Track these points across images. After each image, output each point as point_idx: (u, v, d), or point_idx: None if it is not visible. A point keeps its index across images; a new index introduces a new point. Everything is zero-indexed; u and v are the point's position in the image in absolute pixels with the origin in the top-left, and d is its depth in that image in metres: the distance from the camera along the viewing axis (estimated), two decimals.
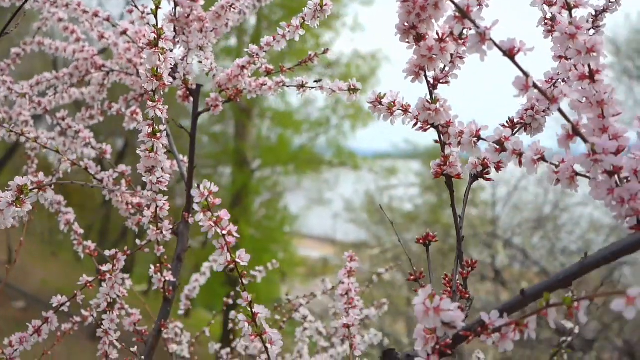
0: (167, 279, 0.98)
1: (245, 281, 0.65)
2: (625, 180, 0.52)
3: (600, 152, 0.50)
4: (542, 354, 6.11)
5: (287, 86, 0.98)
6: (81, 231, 1.10)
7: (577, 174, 0.54)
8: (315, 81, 0.97)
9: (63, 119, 1.11)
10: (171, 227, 0.91)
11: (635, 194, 0.50)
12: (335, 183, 12.57)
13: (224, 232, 0.62)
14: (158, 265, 0.97)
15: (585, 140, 0.51)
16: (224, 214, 0.63)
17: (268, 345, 0.65)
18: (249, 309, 0.65)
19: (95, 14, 1.11)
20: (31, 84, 1.19)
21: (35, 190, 0.66)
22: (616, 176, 0.53)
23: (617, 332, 5.76)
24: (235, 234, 0.63)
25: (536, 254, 6.69)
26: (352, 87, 0.83)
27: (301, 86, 0.96)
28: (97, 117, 1.20)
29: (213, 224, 0.62)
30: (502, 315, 0.51)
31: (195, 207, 0.62)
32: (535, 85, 0.51)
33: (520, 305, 0.52)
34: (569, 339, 1.13)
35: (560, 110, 0.52)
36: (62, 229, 1.11)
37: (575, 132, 0.52)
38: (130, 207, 1.03)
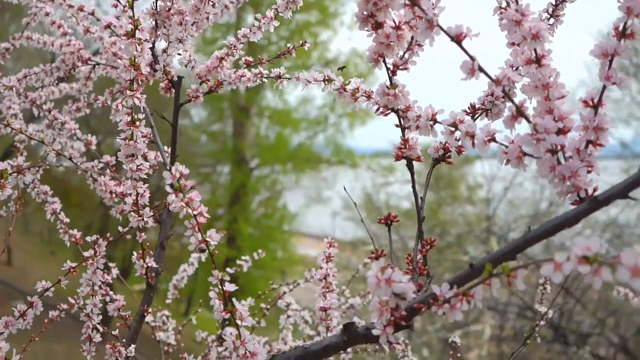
0: (149, 265, 1.00)
1: (214, 260, 0.68)
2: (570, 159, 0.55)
3: (542, 131, 0.53)
4: (537, 350, 6.15)
5: (266, 77, 1.01)
6: (67, 220, 1.12)
7: (525, 154, 0.57)
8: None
9: (49, 111, 1.14)
10: (152, 214, 0.94)
11: (576, 171, 0.53)
12: (334, 181, 12.61)
13: (195, 212, 0.65)
14: (140, 252, 0.99)
15: (528, 121, 0.54)
16: (195, 196, 0.66)
17: (238, 322, 0.68)
18: (220, 287, 0.68)
19: (80, 9, 1.14)
20: (18, 78, 1.22)
21: (15, 174, 0.69)
22: (561, 155, 0.56)
23: (611, 328, 5.80)
24: (206, 214, 0.66)
25: (532, 250, 6.72)
26: (326, 78, 0.86)
27: (278, 77, 0.99)
28: (83, 110, 1.23)
29: (184, 205, 0.65)
30: (452, 287, 0.54)
31: (167, 188, 0.64)
32: (480, 69, 0.54)
33: (468, 277, 0.55)
34: (542, 323, 1.16)
35: (504, 92, 0.54)
36: (48, 218, 1.14)
37: (519, 113, 0.55)
38: (113, 195, 1.06)
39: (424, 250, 0.67)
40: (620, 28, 0.54)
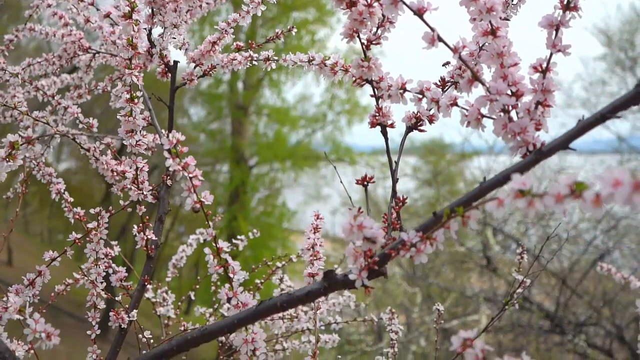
0: (149, 237, 1.07)
1: (210, 221, 0.75)
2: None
3: (494, 93, 0.60)
4: (534, 340, 6.22)
5: (256, 60, 1.08)
6: (71, 199, 1.19)
7: (482, 115, 0.64)
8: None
9: (53, 97, 1.21)
10: (151, 188, 1.01)
11: (525, 128, 0.60)
12: (332, 179, 12.68)
13: (191, 175, 0.72)
14: (140, 225, 1.06)
15: (483, 84, 0.61)
16: (191, 160, 0.72)
17: (231, 275, 0.75)
18: (214, 244, 0.75)
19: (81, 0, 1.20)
20: (22, 66, 1.29)
21: (25, 145, 0.76)
22: (515, 114, 0.63)
23: (607, 318, 5.87)
24: (201, 178, 0.73)
25: (530, 242, 6.80)
26: (311, 58, 0.93)
27: (267, 59, 1.06)
28: (84, 96, 1.30)
29: (181, 168, 0.72)
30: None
31: (165, 153, 0.71)
32: (439, 39, 0.61)
33: (432, 224, 0.61)
34: (520, 290, 1.22)
35: (461, 59, 0.61)
36: (54, 198, 1.20)
37: (475, 77, 0.61)
38: (115, 174, 1.12)
39: (397, 207, 0.73)
40: (565, 1, 0.61)
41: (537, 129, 0.61)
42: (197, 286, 1.54)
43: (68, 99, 1.29)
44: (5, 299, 0.76)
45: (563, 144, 0.57)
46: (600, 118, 0.55)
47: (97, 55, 1.30)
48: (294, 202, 12.81)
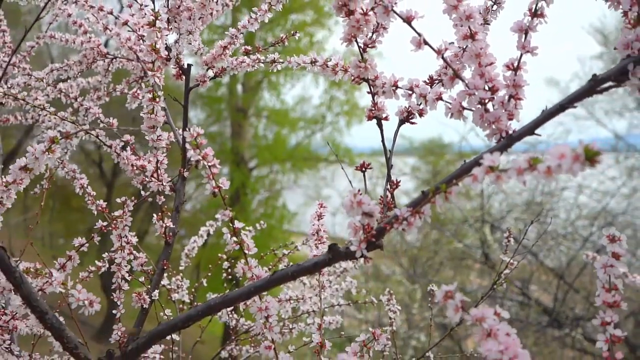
0: (167, 225, 1.18)
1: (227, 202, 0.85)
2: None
3: (472, 88, 0.71)
4: (532, 335, 6.32)
5: (262, 62, 1.18)
6: (93, 193, 1.29)
7: (463, 107, 0.75)
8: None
9: (75, 99, 1.31)
10: (170, 179, 1.11)
11: (499, 117, 0.71)
12: (332, 180, 12.77)
13: (210, 164, 0.83)
14: (160, 214, 1.17)
15: (463, 81, 0.72)
16: (209, 151, 0.83)
17: (246, 251, 0.85)
18: (231, 225, 0.85)
19: (100, 9, 1.31)
20: (46, 72, 1.39)
21: (64, 140, 0.86)
22: (491, 106, 0.73)
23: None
24: (218, 166, 0.83)
25: (527, 238, 6.89)
26: (314, 60, 1.03)
27: (273, 61, 1.16)
28: (103, 98, 1.40)
29: (201, 158, 0.82)
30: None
31: (187, 145, 0.82)
32: (425, 42, 0.71)
33: (421, 201, 0.72)
34: (507, 272, 1.32)
35: (444, 59, 0.72)
36: (78, 192, 1.31)
37: (455, 75, 0.72)
38: (134, 168, 1.23)
39: (391, 189, 0.84)
40: (533, 9, 0.72)
41: (510, 119, 0.71)
42: (210, 274, 1.64)
43: (89, 100, 1.40)
44: (48, 274, 0.86)
45: (530, 130, 0.68)
46: (560, 108, 0.65)
47: (114, 60, 1.40)
48: (294, 203, 12.89)
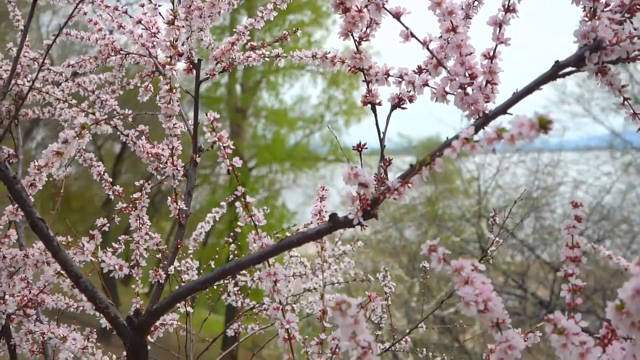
0: (181, 207, 1.28)
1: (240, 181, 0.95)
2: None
3: (454, 74, 0.81)
4: (529, 327, 6.43)
5: (267, 57, 1.29)
6: (110, 179, 1.40)
7: (446, 92, 0.85)
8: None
9: (93, 92, 1.42)
10: (184, 165, 1.22)
11: (477, 100, 0.81)
12: (331, 179, 12.86)
13: (224, 145, 0.93)
14: (174, 196, 1.27)
15: (445, 68, 0.82)
16: (224, 133, 0.93)
17: (257, 223, 0.96)
18: (243, 199, 0.96)
19: (115, 8, 1.41)
20: (64, 66, 1.49)
21: (94, 125, 0.96)
22: (470, 90, 0.84)
23: (598, 304, 6.09)
24: (232, 147, 0.94)
25: (522, 233, 7.02)
26: (314, 54, 1.13)
27: (277, 56, 1.27)
28: (117, 92, 1.51)
29: (217, 140, 0.93)
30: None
31: (204, 129, 0.92)
32: (412, 35, 0.81)
33: (409, 173, 0.82)
34: (493, 249, 1.43)
35: (429, 50, 0.82)
36: (95, 178, 1.41)
37: (439, 63, 0.82)
38: (149, 155, 1.33)
39: (384, 166, 0.94)
40: (506, 5, 0.82)
41: (487, 101, 0.82)
42: (217, 256, 1.75)
43: (105, 93, 1.50)
44: (80, 244, 0.96)
45: (502, 110, 0.78)
46: (528, 90, 0.76)
47: (127, 56, 1.51)
48: (294, 202, 12.98)
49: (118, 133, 1.34)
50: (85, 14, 1.52)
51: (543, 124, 0.58)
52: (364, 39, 0.92)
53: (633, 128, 0.83)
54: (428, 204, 9.71)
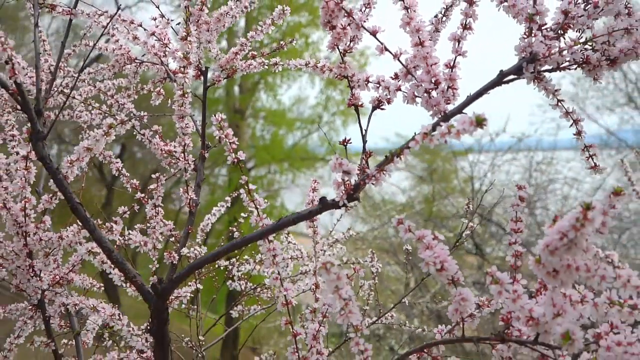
0: (191, 197, 1.46)
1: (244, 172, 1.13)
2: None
3: (420, 81, 0.99)
4: None
5: (267, 65, 1.46)
6: (128, 174, 1.57)
7: (415, 95, 1.03)
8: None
9: (112, 96, 1.59)
10: (194, 159, 1.40)
11: (439, 102, 0.99)
12: (329, 178, 13.02)
13: (230, 140, 1.11)
14: (185, 187, 1.45)
15: (413, 76, 1.00)
16: (230, 131, 1.11)
17: (258, 206, 1.13)
18: (247, 187, 1.13)
19: (131, 22, 1.59)
20: (85, 73, 1.67)
21: (120, 125, 1.14)
22: (435, 94, 1.01)
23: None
24: (236, 142, 1.11)
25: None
26: (307, 62, 1.31)
27: (275, 64, 1.45)
28: (132, 96, 1.68)
29: (224, 136, 1.10)
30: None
31: (213, 126, 1.10)
32: (386, 49, 0.99)
33: (385, 162, 0.99)
34: (466, 232, 1.61)
35: (399, 61, 1.00)
36: (114, 173, 1.59)
37: (408, 72, 1.00)
38: (163, 152, 1.51)
39: (366, 157, 1.12)
40: (463, 24, 1.00)
41: (447, 103, 1.00)
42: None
43: (122, 97, 1.68)
44: (110, 225, 1.14)
45: (458, 110, 0.96)
46: (477, 95, 0.94)
47: (141, 64, 1.68)
48: (292, 203, 13.14)
49: (134, 132, 1.52)
50: (104, 27, 1.70)
51: (479, 122, 0.76)
52: (348, 52, 1.10)
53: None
54: (425, 202, 9.89)
